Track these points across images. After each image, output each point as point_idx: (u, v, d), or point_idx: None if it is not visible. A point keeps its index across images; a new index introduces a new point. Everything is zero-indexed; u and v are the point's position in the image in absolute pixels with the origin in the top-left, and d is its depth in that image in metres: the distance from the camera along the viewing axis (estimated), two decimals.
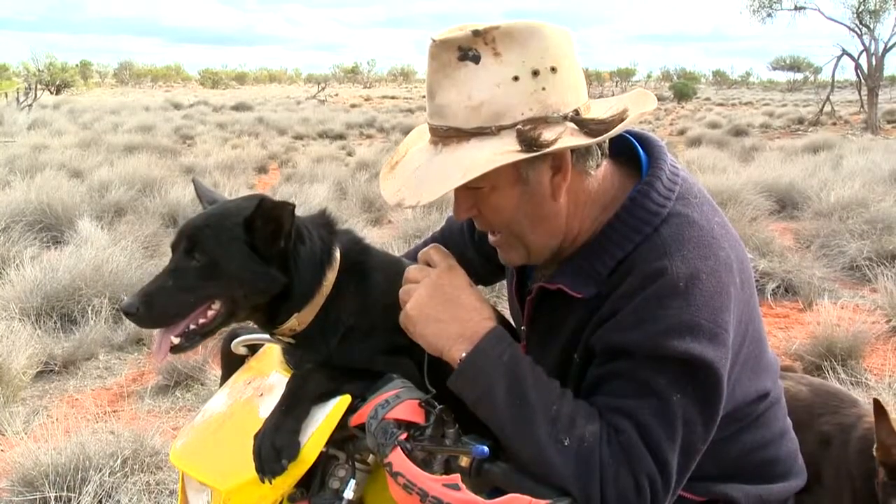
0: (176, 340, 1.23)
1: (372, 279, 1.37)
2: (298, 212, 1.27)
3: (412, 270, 1.28)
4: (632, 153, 1.29)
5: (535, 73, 1.11)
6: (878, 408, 1.56)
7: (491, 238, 1.30)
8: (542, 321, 1.33)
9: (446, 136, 1.16)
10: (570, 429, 1.11)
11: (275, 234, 1.24)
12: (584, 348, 1.21)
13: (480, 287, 1.71)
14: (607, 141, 1.21)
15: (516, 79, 1.11)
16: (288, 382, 1.27)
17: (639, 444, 1.10)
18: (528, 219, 1.21)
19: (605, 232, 1.21)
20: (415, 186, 1.17)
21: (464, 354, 1.18)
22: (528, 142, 1.10)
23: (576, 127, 1.14)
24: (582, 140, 1.13)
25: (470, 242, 1.69)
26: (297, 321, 1.31)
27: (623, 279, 1.17)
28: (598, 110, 1.21)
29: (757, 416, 1.31)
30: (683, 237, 1.17)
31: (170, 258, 1.27)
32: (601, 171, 1.24)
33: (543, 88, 1.12)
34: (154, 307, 1.20)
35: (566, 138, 1.12)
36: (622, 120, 1.15)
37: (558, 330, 1.27)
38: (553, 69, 1.12)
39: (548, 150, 1.10)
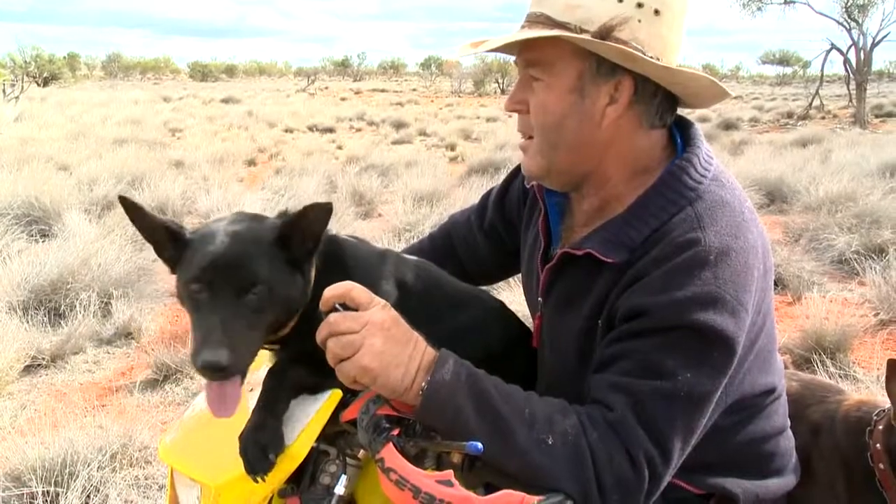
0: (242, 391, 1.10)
1: (347, 268, 1.30)
2: (291, 206, 1.23)
3: (341, 321, 1.10)
4: (668, 130, 1.31)
5: (640, 6, 1.16)
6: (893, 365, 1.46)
7: (521, 142, 1.31)
8: (562, 289, 1.32)
9: (536, 21, 1.21)
10: (549, 428, 1.10)
11: (310, 245, 1.17)
12: (609, 313, 1.21)
13: (479, 284, 1.67)
14: (670, 114, 1.26)
15: (621, 0, 1.15)
16: (264, 379, 1.25)
17: (631, 420, 1.09)
18: (567, 133, 1.23)
19: (640, 201, 1.23)
20: (481, 45, 1.26)
21: (424, 385, 1.10)
22: (602, 33, 1.14)
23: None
24: (646, 68, 1.16)
25: (478, 232, 1.67)
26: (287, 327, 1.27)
27: (654, 246, 1.18)
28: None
29: (762, 408, 1.31)
30: (717, 215, 1.19)
31: (207, 295, 1.10)
32: (654, 136, 1.26)
33: (639, 21, 1.16)
34: (240, 357, 1.05)
35: (634, 51, 1.15)
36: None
37: (583, 297, 1.26)
38: (657, 12, 1.17)
39: (615, 43, 1.14)
